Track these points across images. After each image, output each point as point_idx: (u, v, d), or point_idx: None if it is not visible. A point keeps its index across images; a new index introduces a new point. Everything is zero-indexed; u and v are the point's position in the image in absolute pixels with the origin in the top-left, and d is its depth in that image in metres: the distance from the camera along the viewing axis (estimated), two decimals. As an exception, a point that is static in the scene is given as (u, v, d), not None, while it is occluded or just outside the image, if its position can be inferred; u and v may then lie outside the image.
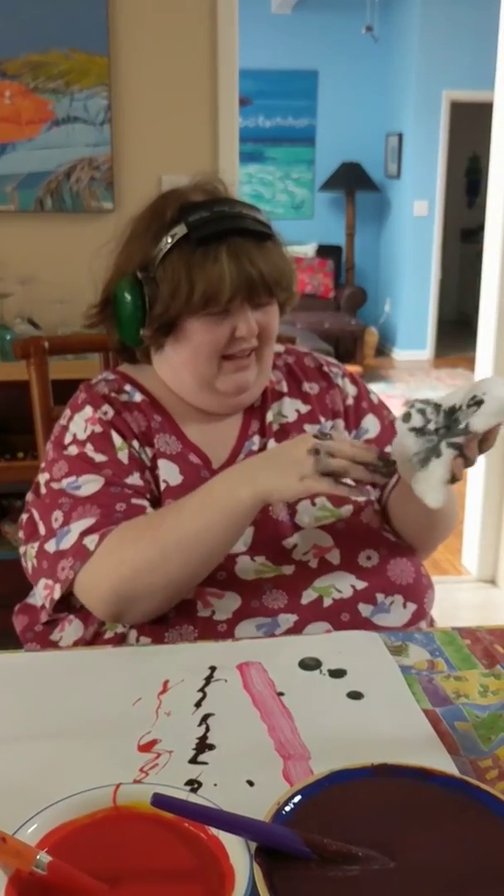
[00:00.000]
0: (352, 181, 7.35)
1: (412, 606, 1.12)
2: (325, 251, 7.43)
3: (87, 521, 1.06)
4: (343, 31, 7.14)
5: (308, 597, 1.08)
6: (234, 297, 1.09)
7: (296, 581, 1.09)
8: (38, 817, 0.62)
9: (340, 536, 1.13)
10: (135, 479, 1.11)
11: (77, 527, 1.06)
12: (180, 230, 1.09)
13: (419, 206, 7.12)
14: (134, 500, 1.09)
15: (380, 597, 1.10)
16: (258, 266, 1.09)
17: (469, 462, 0.96)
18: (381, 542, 1.15)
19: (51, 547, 1.08)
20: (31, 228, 2.65)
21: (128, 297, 1.13)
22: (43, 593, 1.09)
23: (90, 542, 1.04)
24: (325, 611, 1.08)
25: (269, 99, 7.28)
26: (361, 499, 1.16)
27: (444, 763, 0.75)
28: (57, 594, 1.06)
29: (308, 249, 7.37)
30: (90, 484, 1.09)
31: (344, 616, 1.08)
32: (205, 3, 2.57)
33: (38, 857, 0.57)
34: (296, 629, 1.06)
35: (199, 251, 1.08)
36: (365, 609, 1.09)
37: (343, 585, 1.10)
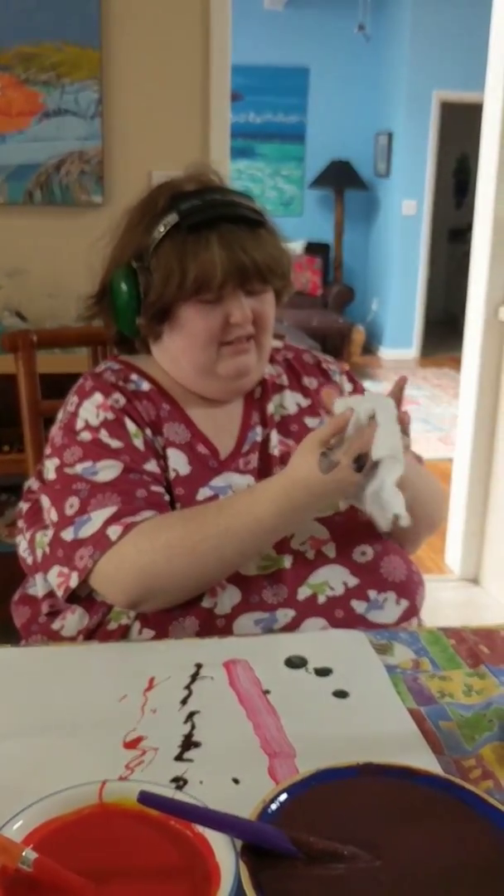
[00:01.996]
0: (341, 179, 7.36)
1: (405, 603, 1.13)
2: (314, 249, 7.43)
3: (109, 510, 1.05)
4: (335, 29, 7.14)
5: (303, 593, 1.09)
6: (226, 284, 1.10)
7: (293, 575, 1.09)
8: (24, 814, 0.62)
9: (337, 529, 1.14)
10: (152, 465, 1.11)
11: (98, 515, 1.05)
12: (172, 218, 1.11)
13: (408, 205, 7.14)
14: (153, 487, 1.09)
15: (372, 594, 1.11)
16: (250, 253, 1.10)
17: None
18: (375, 537, 1.15)
19: (67, 535, 1.06)
20: (20, 221, 2.63)
21: (123, 286, 1.14)
22: (56, 581, 1.08)
23: (113, 532, 1.03)
24: (320, 607, 1.08)
25: (259, 95, 7.27)
26: None
27: (428, 762, 0.75)
28: (74, 583, 1.05)
29: (296, 247, 7.36)
30: (108, 470, 1.08)
31: (338, 613, 1.08)
32: (198, -3, 2.56)
33: (24, 853, 0.57)
34: (293, 625, 1.06)
35: (190, 238, 1.10)
36: (359, 606, 1.10)
37: (336, 583, 1.10)
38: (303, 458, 1.02)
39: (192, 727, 0.81)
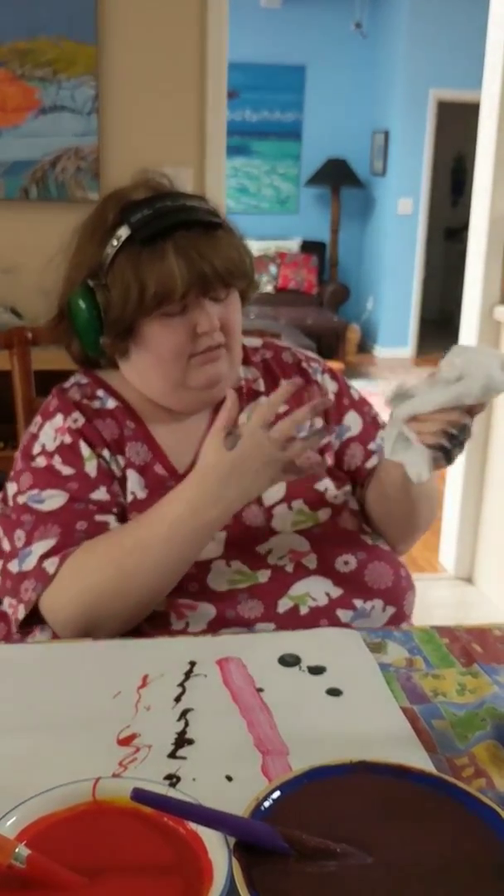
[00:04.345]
0: (337, 177, 7.36)
1: (391, 610, 1.12)
2: (310, 247, 7.44)
3: (48, 543, 1.04)
4: (331, 27, 7.14)
5: (283, 605, 1.07)
6: (188, 294, 1.06)
7: (271, 590, 1.08)
8: (18, 810, 0.62)
9: (317, 541, 1.12)
10: (100, 493, 1.09)
11: (38, 548, 1.05)
12: (124, 231, 1.07)
13: (404, 203, 7.14)
14: (97, 517, 1.07)
15: (358, 602, 1.10)
16: (208, 258, 1.06)
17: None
18: (358, 545, 1.14)
19: (13, 567, 1.06)
20: (15, 217, 2.63)
21: (82, 305, 1.10)
22: (9, 611, 1.08)
23: (50, 565, 1.03)
24: (302, 618, 1.07)
25: (256, 92, 7.26)
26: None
27: (421, 760, 0.76)
28: (21, 615, 1.05)
29: (292, 245, 7.37)
30: (53, 499, 1.08)
31: (322, 622, 1.07)
32: (195, -6, 2.56)
33: (16, 850, 0.57)
34: None
35: (145, 251, 1.06)
36: (344, 615, 1.09)
37: (318, 594, 1.09)
38: (207, 446, 1.01)
39: (186, 724, 0.81)
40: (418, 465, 0.97)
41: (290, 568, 1.10)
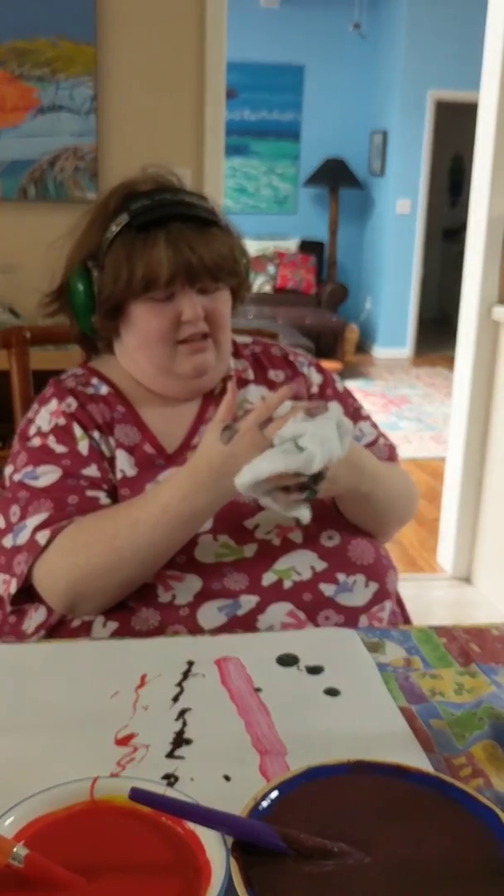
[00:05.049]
0: (336, 177, 7.36)
1: (374, 586, 1.13)
2: (308, 247, 7.44)
3: (41, 517, 1.08)
4: (330, 27, 7.14)
5: (268, 579, 1.10)
6: (174, 281, 1.11)
7: (256, 563, 1.10)
8: (15, 810, 0.62)
9: None
10: (91, 470, 1.13)
11: (31, 522, 1.08)
12: (123, 218, 1.13)
13: (402, 204, 7.15)
14: (88, 493, 1.11)
15: (341, 577, 1.12)
16: (197, 251, 1.11)
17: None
18: (342, 523, 1.17)
19: (8, 542, 1.10)
20: (14, 216, 2.63)
21: (79, 285, 1.17)
22: (1, 588, 1.11)
23: (42, 537, 1.06)
24: (286, 592, 1.09)
25: (254, 92, 7.27)
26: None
27: (419, 760, 0.76)
28: (13, 588, 1.08)
29: (291, 244, 7.38)
30: (48, 475, 1.11)
31: (306, 596, 1.09)
32: (193, -6, 2.56)
33: (14, 849, 0.57)
34: (258, 610, 1.07)
35: (139, 237, 1.11)
36: (327, 589, 1.10)
37: (303, 567, 1.11)
38: (206, 438, 1.05)
39: (184, 724, 0.81)
40: (291, 511, 1.00)
41: (276, 542, 1.12)
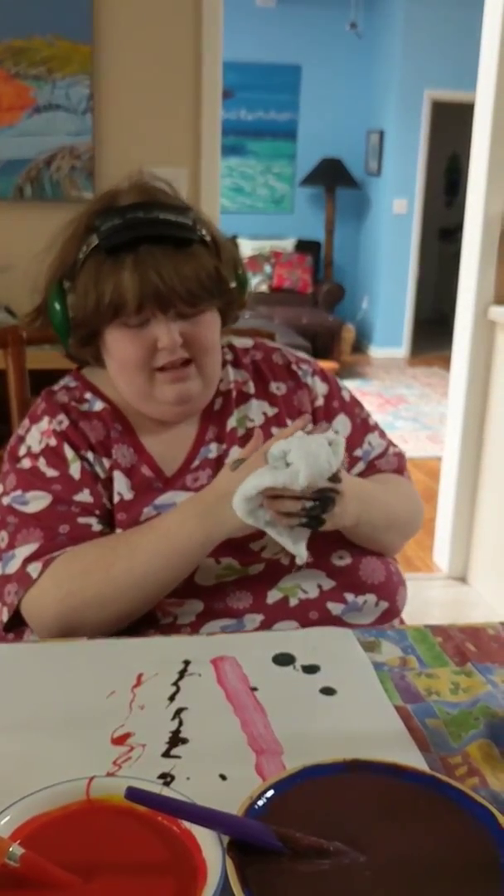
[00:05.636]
0: (332, 177, 7.36)
1: (384, 605, 1.13)
2: (304, 246, 7.44)
3: (31, 547, 1.05)
4: (327, 27, 7.14)
5: (273, 597, 1.08)
6: (143, 308, 1.05)
7: (261, 581, 1.08)
8: (11, 809, 0.62)
9: (312, 536, 1.12)
10: (84, 495, 1.09)
11: (21, 552, 1.05)
12: (93, 239, 1.07)
13: (398, 203, 7.15)
14: (80, 520, 1.08)
15: (349, 596, 1.10)
16: (166, 276, 1.03)
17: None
18: (353, 543, 1.14)
19: None
20: (10, 216, 2.62)
21: (56, 305, 1.12)
22: None
23: (33, 569, 1.04)
24: (292, 610, 1.07)
25: (251, 92, 7.26)
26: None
27: (414, 759, 0.76)
28: (5, 617, 1.06)
29: (287, 244, 7.38)
30: (38, 500, 1.08)
31: (312, 614, 1.08)
32: (190, -6, 2.56)
33: (11, 849, 0.57)
34: (263, 628, 1.06)
35: (108, 260, 1.05)
36: (335, 608, 1.09)
37: (309, 586, 1.09)
38: (220, 473, 1.04)
39: (180, 724, 0.81)
40: (289, 546, 1.00)
41: (285, 561, 1.10)
